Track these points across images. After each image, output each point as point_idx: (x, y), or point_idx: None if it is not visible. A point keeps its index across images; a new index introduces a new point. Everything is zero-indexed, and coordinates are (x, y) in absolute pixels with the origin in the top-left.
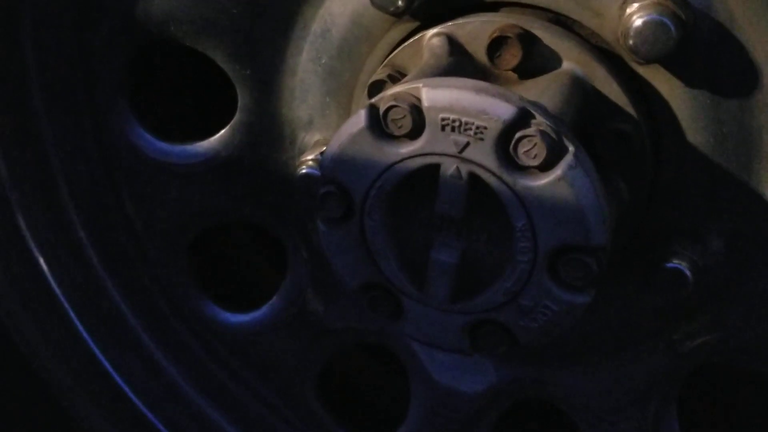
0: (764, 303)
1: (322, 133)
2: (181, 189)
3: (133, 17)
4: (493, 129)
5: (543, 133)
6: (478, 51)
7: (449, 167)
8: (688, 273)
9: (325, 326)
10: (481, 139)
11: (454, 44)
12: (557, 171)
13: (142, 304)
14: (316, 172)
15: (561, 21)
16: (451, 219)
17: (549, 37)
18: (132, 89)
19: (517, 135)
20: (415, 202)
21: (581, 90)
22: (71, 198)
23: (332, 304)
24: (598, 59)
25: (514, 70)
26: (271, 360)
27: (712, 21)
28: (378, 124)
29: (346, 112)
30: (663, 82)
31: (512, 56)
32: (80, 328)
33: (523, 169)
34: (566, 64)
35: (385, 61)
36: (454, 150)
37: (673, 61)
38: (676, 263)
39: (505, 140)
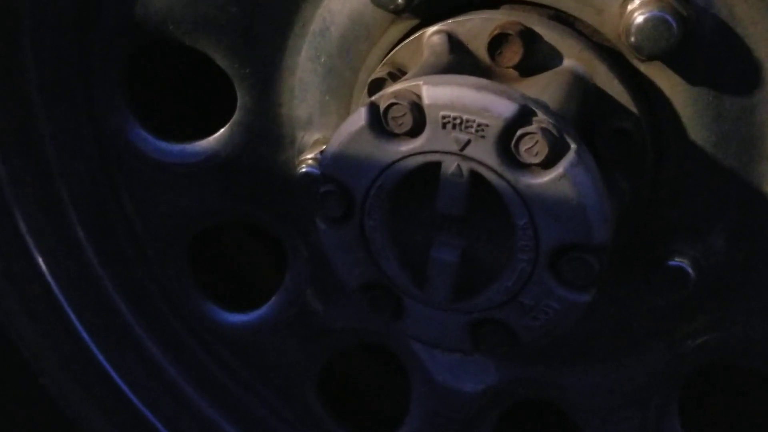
0: (766, 302)
1: (322, 132)
2: (181, 189)
3: (132, 16)
4: (495, 126)
5: (544, 131)
6: (479, 48)
7: (450, 165)
8: (690, 271)
9: (325, 326)
10: (483, 137)
11: (454, 42)
12: (559, 169)
13: (141, 304)
14: (316, 171)
15: (562, 18)
16: (452, 217)
17: (550, 34)
18: (131, 88)
19: (519, 132)
20: (416, 201)
21: (582, 87)
22: (70, 198)
23: (332, 304)
24: (600, 56)
25: (515, 67)
26: (271, 360)
27: (714, 18)
28: (378, 122)
29: (346, 111)
30: (664, 79)
31: (513, 54)
32: (80, 328)
33: (525, 167)
34: (567, 62)
35: (385, 59)
36: (455, 148)
37: (675, 59)
38: (677, 261)
39: (507, 138)
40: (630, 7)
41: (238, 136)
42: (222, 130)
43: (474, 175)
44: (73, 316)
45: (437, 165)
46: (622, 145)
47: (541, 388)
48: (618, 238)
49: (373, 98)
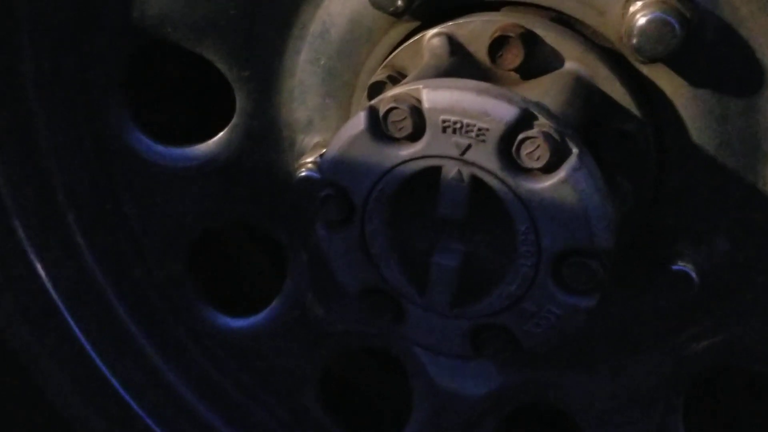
0: None
1: (322, 134)
2: (180, 192)
3: (130, 19)
4: (495, 131)
5: (546, 135)
6: (480, 51)
7: (451, 170)
8: (693, 275)
9: (325, 330)
10: (483, 141)
11: (454, 44)
12: (561, 173)
13: (140, 308)
14: (316, 175)
15: (563, 20)
16: (452, 222)
17: (551, 36)
18: (130, 92)
19: (520, 137)
20: (417, 206)
21: (584, 90)
22: (69, 202)
23: (333, 308)
24: (601, 58)
25: (515, 70)
26: (271, 364)
27: (717, 19)
28: (378, 127)
29: (346, 114)
30: (667, 81)
31: (514, 56)
32: (78, 332)
33: (526, 172)
34: (569, 64)
35: (385, 61)
36: (455, 152)
37: (678, 60)
38: (681, 265)
39: (508, 142)
40: (632, 9)
41: (238, 139)
42: (221, 133)
43: (475, 179)
44: (71, 321)
45: (438, 169)
46: (625, 147)
47: (543, 391)
48: (620, 241)
49: (372, 102)
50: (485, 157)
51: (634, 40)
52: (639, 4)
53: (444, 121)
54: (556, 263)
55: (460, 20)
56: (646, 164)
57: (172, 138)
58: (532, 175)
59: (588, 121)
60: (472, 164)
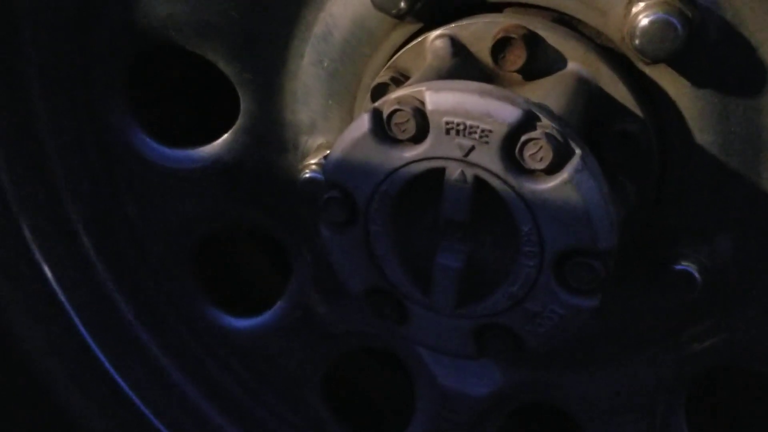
0: None
1: (325, 136)
2: (184, 194)
3: (134, 22)
4: (499, 132)
5: (549, 136)
6: (482, 52)
7: (454, 171)
8: (696, 275)
9: (329, 330)
10: (486, 143)
11: (457, 46)
12: (564, 174)
13: (146, 309)
14: (319, 176)
15: (565, 21)
16: (456, 223)
17: (553, 37)
18: (134, 94)
19: (523, 138)
20: (420, 207)
21: (587, 91)
22: (74, 204)
23: (336, 308)
24: (604, 59)
25: (518, 71)
26: (274, 364)
27: (719, 19)
28: (381, 128)
29: (349, 116)
30: (669, 81)
31: (517, 57)
32: (84, 333)
33: (529, 173)
34: (571, 65)
35: (388, 63)
36: (458, 154)
37: (680, 61)
38: (684, 265)
39: (511, 143)
40: (634, 10)
41: (242, 141)
42: (225, 135)
43: (478, 181)
44: (77, 321)
45: (441, 171)
46: (627, 148)
47: (546, 390)
48: (623, 241)
49: (376, 104)
50: (488, 158)
51: (637, 41)
52: (641, 4)
53: (447, 123)
54: (558, 263)
55: (463, 22)
56: (649, 164)
57: (176, 140)
58: (535, 176)
59: (590, 121)
60: (476, 165)
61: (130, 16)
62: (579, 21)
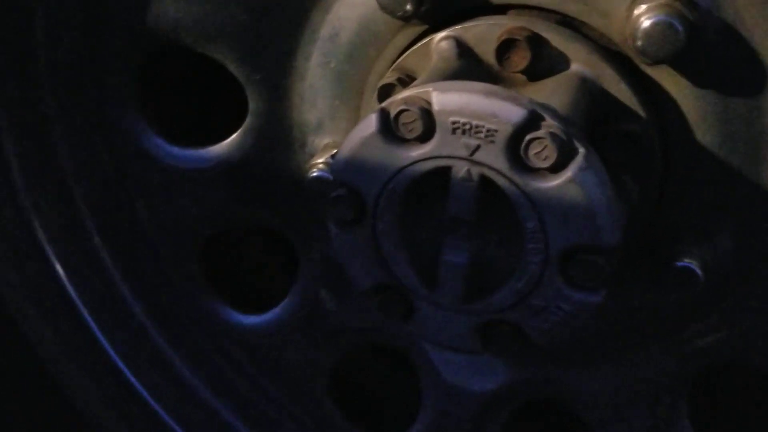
0: None
1: (332, 136)
2: (193, 193)
3: (143, 24)
4: (504, 132)
5: (553, 135)
6: (487, 54)
7: (460, 170)
8: (698, 272)
9: (336, 326)
10: (492, 142)
11: (462, 47)
12: (568, 172)
13: (155, 306)
14: (327, 175)
15: (569, 23)
16: (462, 221)
17: (557, 38)
18: (143, 95)
19: (528, 137)
20: (427, 205)
21: (590, 91)
22: (85, 203)
23: (344, 305)
24: (606, 60)
25: (522, 72)
26: (283, 360)
27: (720, 21)
28: (389, 128)
29: (355, 116)
30: (671, 82)
31: (521, 58)
32: (96, 330)
33: (534, 171)
34: (574, 66)
35: (394, 64)
36: (464, 153)
37: (681, 62)
38: (686, 262)
39: (516, 143)
40: (636, 12)
41: (250, 141)
42: (234, 135)
43: (484, 179)
44: (88, 319)
45: (447, 170)
46: (630, 147)
47: (550, 387)
48: (626, 239)
49: (383, 104)
50: (494, 157)
51: (639, 43)
52: (643, 7)
53: (453, 123)
54: (563, 260)
55: (468, 24)
56: (651, 163)
57: (186, 140)
58: (539, 175)
59: (594, 121)
60: (481, 164)
61: (141, 18)
62: (582, 23)
